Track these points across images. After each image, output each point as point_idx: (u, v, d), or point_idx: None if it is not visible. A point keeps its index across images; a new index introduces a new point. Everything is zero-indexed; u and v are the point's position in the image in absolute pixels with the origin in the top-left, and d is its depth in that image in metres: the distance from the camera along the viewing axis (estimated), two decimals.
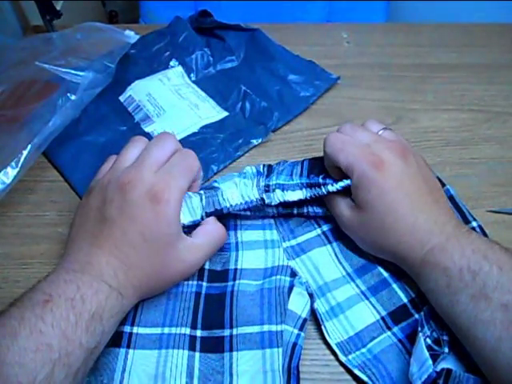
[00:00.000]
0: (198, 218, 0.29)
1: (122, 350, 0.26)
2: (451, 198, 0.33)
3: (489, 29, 0.54)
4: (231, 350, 0.26)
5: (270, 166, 0.33)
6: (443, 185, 0.34)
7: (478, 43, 0.52)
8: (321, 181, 0.30)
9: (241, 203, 0.30)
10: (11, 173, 0.32)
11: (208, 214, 0.29)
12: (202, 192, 0.30)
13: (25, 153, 0.33)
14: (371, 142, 0.28)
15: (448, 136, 0.42)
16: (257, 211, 0.32)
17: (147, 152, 0.28)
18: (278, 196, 0.30)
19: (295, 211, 0.33)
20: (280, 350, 0.26)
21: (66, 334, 0.21)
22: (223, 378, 0.26)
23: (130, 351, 0.26)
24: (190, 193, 0.29)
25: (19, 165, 0.32)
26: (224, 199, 0.30)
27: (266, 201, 0.30)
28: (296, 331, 0.27)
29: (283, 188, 0.30)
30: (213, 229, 0.29)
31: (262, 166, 0.33)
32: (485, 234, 0.31)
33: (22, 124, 0.35)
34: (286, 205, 0.32)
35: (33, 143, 0.33)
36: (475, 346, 0.23)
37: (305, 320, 0.28)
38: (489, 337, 0.22)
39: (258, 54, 0.48)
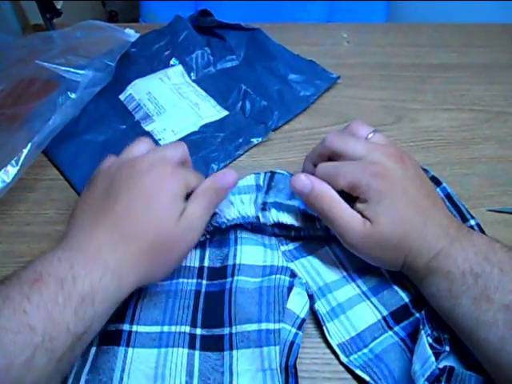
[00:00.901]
0: None
1: (122, 349, 0.26)
2: (448, 197, 0.33)
3: (489, 29, 0.54)
4: (231, 349, 0.26)
5: (271, 176, 0.33)
6: (439, 183, 0.34)
7: (478, 43, 0.52)
8: (316, 214, 0.30)
9: (237, 217, 0.30)
10: (11, 171, 0.32)
11: (208, 232, 0.30)
12: None
13: (25, 151, 0.33)
14: (366, 152, 0.28)
15: (448, 136, 0.42)
16: (257, 230, 0.32)
17: (158, 148, 0.28)
18: (273, 216, 0.30)
19: (292, 233, 0.32)
20: (277, 348, 0.26)
21: (53, 317, 0.20)
22: (223, 377, 0.26)
23: (130, 350, 0.26)
24: None
25: (19, 163, 0.32)
26: (221, 217, 0.30)
27: (262, 220, 0.30)
28: (294, 330, 0.27)
29: (279, 207, 0.31)
30: (207, 187, 0.27)
31: (262, 178, 0.32)
32: (483, 233, 0.31)
33: (21, 122, 0.35)
34: (282, 226, 0.32)
35: (33, 141, 0.33)
36: (479, 346, 0.23)
37: (303, 320, 0.27)
38: (492, 337, 0.22)
39: (259, 53, 0.48)
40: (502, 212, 0.35)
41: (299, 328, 0.27)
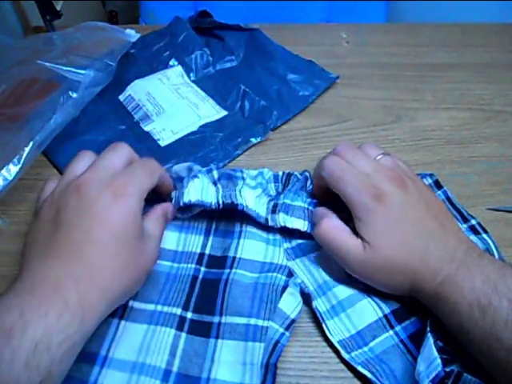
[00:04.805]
0: (209, 201, 0.30)
1: (115, 321, 0.27)
2: (448, 199, 0.34)
3: (488, 29, 0.54)
4: (217, 337, 0.27)
5: (288, 178, 0.34)
6: (440, 187, 0.34)
7: (477, 43, 0.52)
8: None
9: (254, 211, 0.31)
10: (13, 169, 0.32)
11: (224, 204, 0.30)
12: (219, 186, 0.31)
13: (27, 149, 0.33)
14: (370, 172, 0.28)
15: (447, 135, 0.42)
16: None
17: (102, 157, 0.27)
18: (280, 220, 0.31)
19: (297, 232, 0.32)
20: (262, 344, 0.26)
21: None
22: (204, 363, 0.26)
23: (122, 322, 0.27)
24: (205, 179, 0.31)
25: (21, 162, 0.32)
26: (241, 196, 0.31)
27: (270, 223, 0.31)
28: (281, 330, 0.27)
29: (287, 211, 0.31)
30: (159, 214, 0.29)
31: (280, 184, 0.34)
32: (485, 231, 0.31)
33: (23, 122, 0.35)
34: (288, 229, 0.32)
35: (34, 140, 0.33)
36: (495, 372, 0.23)
37: (292, 321, 0.27)
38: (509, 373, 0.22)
39: (258, 53, 0.48)
40: (502, 211, 0.35)
41: (287, 328, 0.27)
